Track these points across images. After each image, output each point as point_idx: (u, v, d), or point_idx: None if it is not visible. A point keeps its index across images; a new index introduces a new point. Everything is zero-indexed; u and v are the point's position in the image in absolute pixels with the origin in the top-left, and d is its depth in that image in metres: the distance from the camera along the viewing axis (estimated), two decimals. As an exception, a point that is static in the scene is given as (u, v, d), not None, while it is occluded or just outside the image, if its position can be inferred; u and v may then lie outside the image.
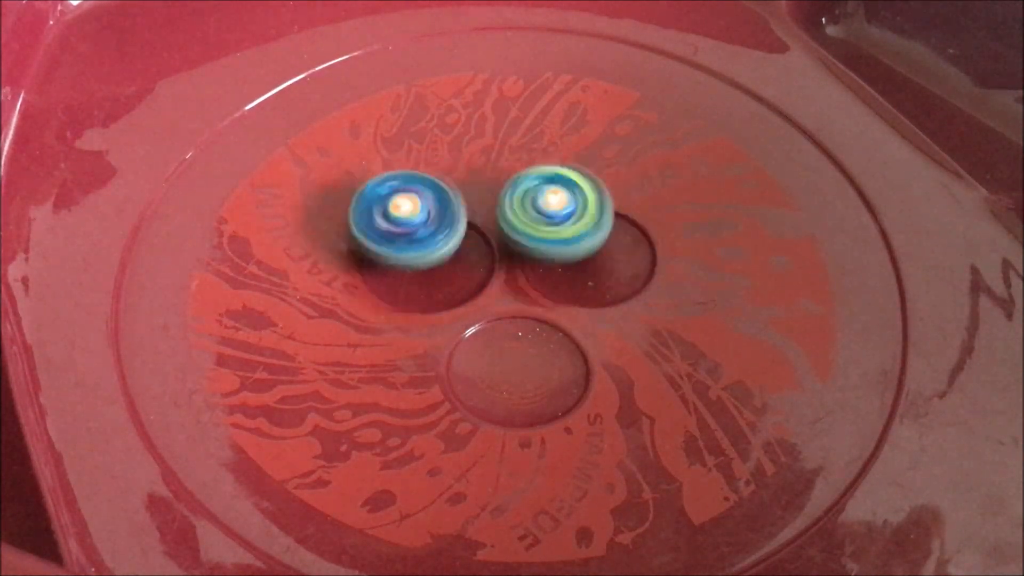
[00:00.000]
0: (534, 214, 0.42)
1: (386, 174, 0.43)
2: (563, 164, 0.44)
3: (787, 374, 0.41)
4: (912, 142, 0.47)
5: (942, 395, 0.40)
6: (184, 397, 0.40)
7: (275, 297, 0.42)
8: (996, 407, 0.40)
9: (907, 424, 0.40)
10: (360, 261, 0.43)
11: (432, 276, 0.43)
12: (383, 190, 0.43)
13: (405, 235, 0.42)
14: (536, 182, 0.43)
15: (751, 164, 0.47)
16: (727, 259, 0.44)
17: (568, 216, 0.42)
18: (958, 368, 0.41)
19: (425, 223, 0.42)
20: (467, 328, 0.42)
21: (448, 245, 0.42)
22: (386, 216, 0.42)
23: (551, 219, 0.42)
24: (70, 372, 0.40)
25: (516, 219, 0.42)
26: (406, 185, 0.43)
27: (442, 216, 0.42)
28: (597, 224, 0.42)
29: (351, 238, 0.42)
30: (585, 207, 0.42)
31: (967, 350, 0.41)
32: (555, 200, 0.42)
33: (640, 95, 0.49)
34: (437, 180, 0.43)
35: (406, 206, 0.42)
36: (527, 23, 0.51)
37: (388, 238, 0.42)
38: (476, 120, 0.48)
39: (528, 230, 0.42)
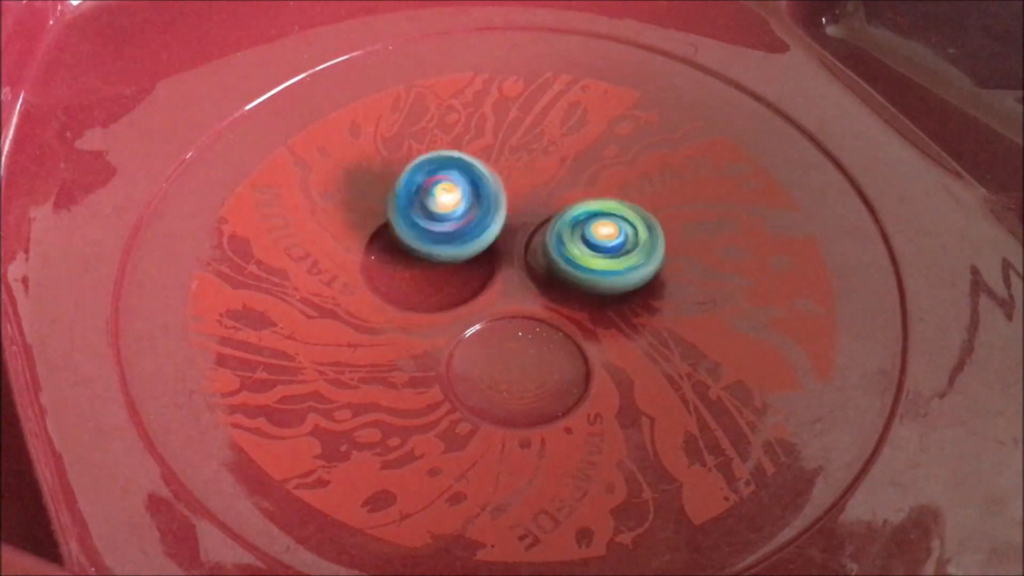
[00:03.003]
0: (583, 246, 0.42)
1: (419, 160, 0.43)
2: (616, 200, 0.44)
3: (787, 374, 0.41)
4: (912, 142, 0.47)
5: (942, 395, 0.40)
6: (184, 397, 0.40)
7: (275, 297, 0.42)
8: (996, 407, 0.40)
9: (907, 424, 0.40)
10: (361, 261, 0.43)
11: (432, 276, 0.43)
12: (420, 180, 0.42)
13: (447, 230, 0.42)
14: (584, 216, 0.43)
15: (751, 164, 0.47)
16: (727, 259, 0.44)
17: (618, 248, 0.42)
18: (958, 368, 0.41)
19: (465, 214, 0.42)
20: (467, 328, 0.42)
21: (492, 230, 0.42)
22: (426, 212, 0.42)
23: (603, 251, 0.42)
24: (70, 372, 0.40)
25: (567, 250, 0.42)
26: (443, 172, 0.43)
27: (481, 204, 0.42)
28: (649, 256, 0.42)
29: (393, 229, 0.42)
30: (636, 240, 0.42)
31: (967, 350, 0.41)
32: (607, 232, 0.42)
33: (640, 95, 0.49)
34: (473, 163, 0.43)
35: (446, 199, 0.42)
36: (527, 23, 0.51)
37: (429, 234, 0.42)
38: (476, 120, 0.48)
39: (580, 261, 0.42)
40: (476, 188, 0.42)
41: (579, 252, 0.42)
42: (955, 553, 0.37)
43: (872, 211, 0.45)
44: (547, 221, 0.44)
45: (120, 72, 0.49)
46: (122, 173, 0.45)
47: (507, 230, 0.43)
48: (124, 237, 0.43)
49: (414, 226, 0.42)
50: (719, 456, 0.39)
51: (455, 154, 0.43)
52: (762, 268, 0.44)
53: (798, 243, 0.44)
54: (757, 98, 0.49)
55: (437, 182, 0.42)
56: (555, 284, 0.43)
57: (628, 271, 0.42)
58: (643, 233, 0.42)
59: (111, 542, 0.36)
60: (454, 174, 0.43)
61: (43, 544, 0.35)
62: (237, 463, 0.38)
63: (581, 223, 0.42)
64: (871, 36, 0.51)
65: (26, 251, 0.43)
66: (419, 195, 0.42)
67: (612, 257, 0.42)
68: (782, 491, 0.38)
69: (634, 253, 0.42)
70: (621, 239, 0.42)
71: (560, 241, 0.42)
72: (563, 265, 0.42)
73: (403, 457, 0.39)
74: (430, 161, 0.43)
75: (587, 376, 0.41)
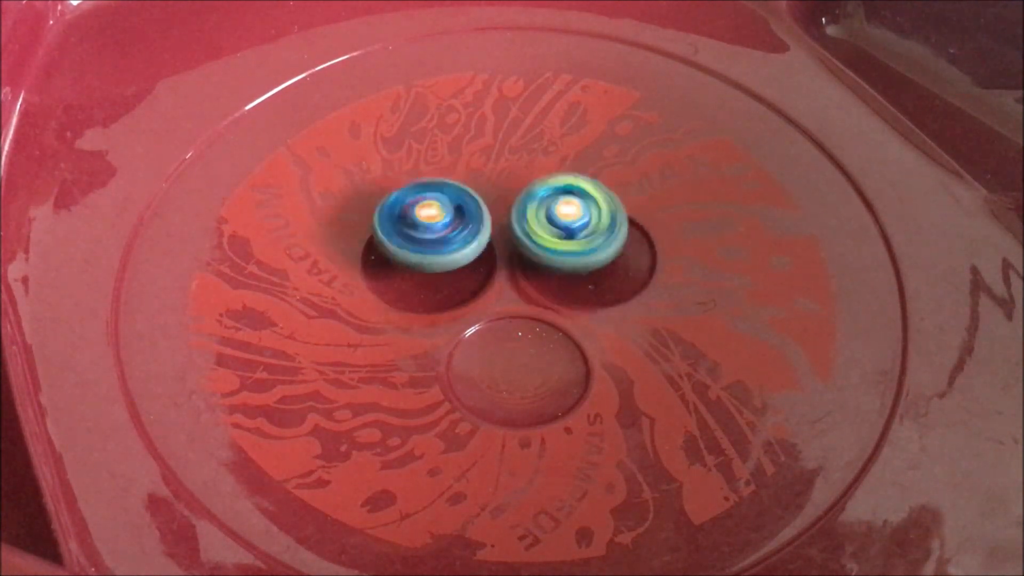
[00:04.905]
0: (549, 226, 0.42)
1: (408, 185, 0.43)
2: (573, 174, 0.44)
3: (787, 374, 0.41)
4: (912, 142, 0.47)
5: (942, 395, 0.40)
6: (184, 397, 0.40)
7: (275, 297, 0.42)
8: (996, 407, 0.40)
9: (907, 424, 0.40)
10: (361, 261, 0.43)
11: (432, 276, 0.43)
12: (405, 199, 0.43)
13: (430, 239, 0.42)
14: (549, 193, 0.43)
15: (751, 164, 0.47)
16: (727, 259, 0.44)
17: (582, 227, 0.42)
18: (958, 368, 0.41)
19: (448, 226, 0.42)
20: (467, 328, 0.42)
21: (472, 245, 0.42)
22: (408, 222, 0.42)
23: (566, 231, 0.42)
24: (70, 372, 0.40)
25: (532, 231, 0.42)
26: (427, 193, 0.43)
27: (465, 218, 0.42)
28: (610, 235, 0.42)
29: (379, 244, 0.42)
30: (599, 218, 0.42)
31: (967, 350, 0.41)
32: (569, 211, 0.42)
33: (640, 95, 0.49)
34: (458, 184, 0.43)
35: (429, 211, 0.42)
36: (527, 23, 0.51)
37: (412, 242, 0.42)
38: (476, 120, 0.48)
39: (544, 243, 0.42)
40: (460, 206, 0.42)
41: (541, 231, 0.42)
42: (955, 553, 0.37)
43: (872, 211, 0.45)
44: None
45: (120, 72, 0.49)
46: (122, 173, 0.45)
47: (507, 230, 0.43)
48: (124, 237, 0.43)
49: (399, 236, 0.42)
50: (719, 456, 0.39)
51: (438, 180, 0.44)
52: (762, 268, 0.44)
53: (798, 243, 0.44)
54: (757, 98, 0.49)
55: (418, 201, 0.42)
56: (554, 283, 0.43)
57: (589, 252, 0.42)
58: (606, 214, 0.42)
59: (111, 542, 0.36)
60: (436, 196, 0.43)
61: (43, 544, 0.35)
62: (237, 463, 0.38)
63: (546, 200, 0.43)
64: (871, 36, 0.51)
65: (26, 251, 0.43)
66: (402, 213, 0.42)
67: (574, 238, 0.42)
68: (782, 491, 0.38)
69: (596, 234, 0.42)
70: (585, 219, 0.42)
71: (524, 219, 0.42)
72: (526, 243, 0.42)
73: (403, 457, 0.39)
74: (413, 187, 0.43)
75: (587, 376, 0.41)
